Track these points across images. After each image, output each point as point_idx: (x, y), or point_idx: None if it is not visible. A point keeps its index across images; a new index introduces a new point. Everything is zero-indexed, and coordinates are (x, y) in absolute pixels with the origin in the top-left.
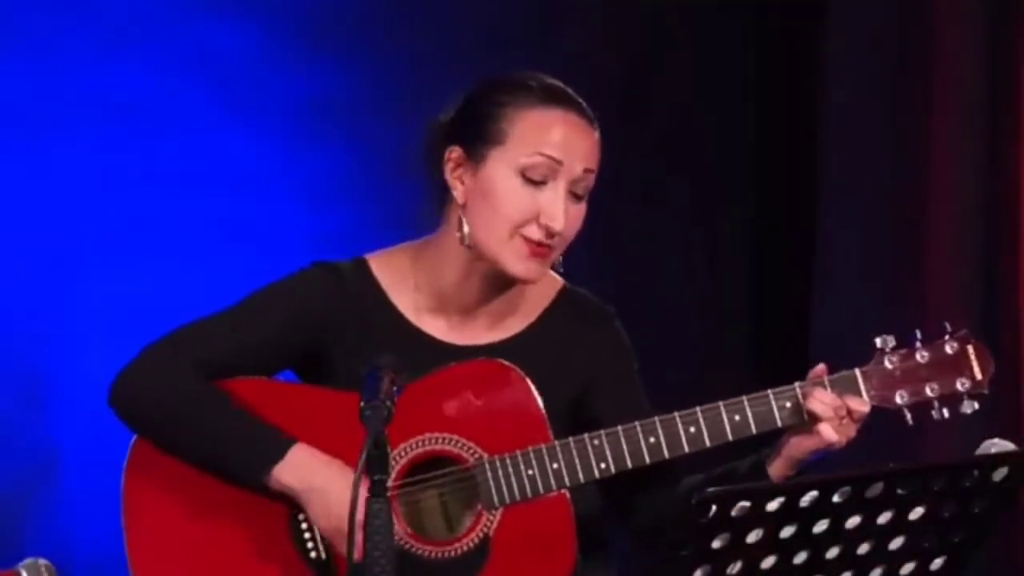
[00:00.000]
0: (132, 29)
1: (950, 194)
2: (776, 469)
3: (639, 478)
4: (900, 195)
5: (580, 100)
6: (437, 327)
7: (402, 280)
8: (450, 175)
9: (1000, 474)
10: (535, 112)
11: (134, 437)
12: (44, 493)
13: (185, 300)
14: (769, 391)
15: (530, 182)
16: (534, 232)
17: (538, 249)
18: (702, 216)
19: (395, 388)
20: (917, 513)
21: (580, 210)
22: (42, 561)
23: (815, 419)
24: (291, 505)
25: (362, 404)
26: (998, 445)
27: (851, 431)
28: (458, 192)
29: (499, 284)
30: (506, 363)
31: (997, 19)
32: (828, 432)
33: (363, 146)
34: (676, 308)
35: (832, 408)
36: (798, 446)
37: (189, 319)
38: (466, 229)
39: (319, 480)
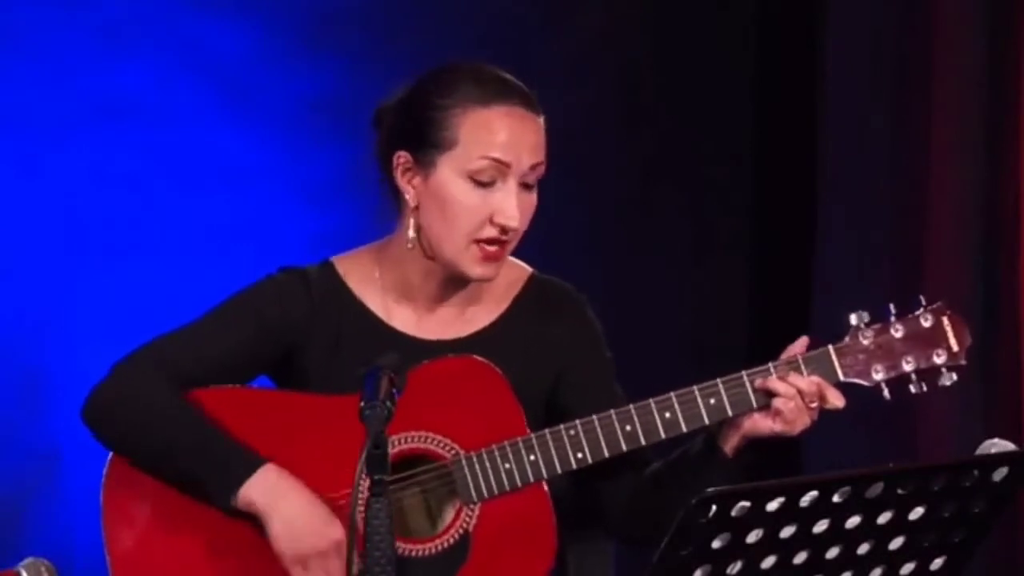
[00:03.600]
0: (131, 29)
1: (950, 194)
2: (730, 443)
3: (607, 467)
4: (900, 195)
5: (521, 87)
6: (408, 323)
7: (369, 279)
8: (400, 179)
9: (1000, 474)
10: (477, 113)
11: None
12: (44, 493)
13: (185, 300)
14: (743, 372)
15: (480, 184)
16: (489, 231)
17: (492, 252)
18: (701, 216)
19: (394, 389)
20: (917, 513)
21: (532, 199)
22: (42, 561)
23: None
24: None
25: (362, 404)
26: (998, 445)
27: (814, 415)
28: (410, 196)
29: (460, 281)
30: (479, 358)
31: (997, 19)
32: (788, 414)
33: (363, 146)
34: (675, 308)
35: (795, 392)
36: (756, 427)
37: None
38: (411, 234)
39: (284, 504)
